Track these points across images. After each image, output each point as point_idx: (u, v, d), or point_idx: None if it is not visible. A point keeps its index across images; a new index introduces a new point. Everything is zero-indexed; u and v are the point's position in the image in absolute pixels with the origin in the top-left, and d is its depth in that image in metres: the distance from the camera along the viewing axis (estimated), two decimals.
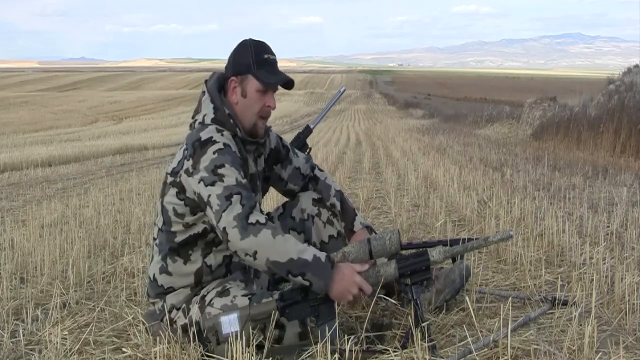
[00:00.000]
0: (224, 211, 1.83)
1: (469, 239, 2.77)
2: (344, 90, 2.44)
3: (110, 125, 30.14)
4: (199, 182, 1.91)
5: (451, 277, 2.28)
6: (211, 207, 1.87)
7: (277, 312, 1.90)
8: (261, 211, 1.92)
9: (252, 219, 1.82)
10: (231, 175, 1.89)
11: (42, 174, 8.49)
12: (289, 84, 2.13)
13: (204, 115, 2.08)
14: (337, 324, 1.95)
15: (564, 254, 3.09)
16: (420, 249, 2.07)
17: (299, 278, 1.85)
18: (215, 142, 1.96)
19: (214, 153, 1.93)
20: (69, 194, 6.14)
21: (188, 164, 1.97)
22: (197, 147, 1.96)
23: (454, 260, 2.68)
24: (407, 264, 2.00)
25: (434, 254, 1.99)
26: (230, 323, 1.91)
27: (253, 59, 2.07)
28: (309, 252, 1.86)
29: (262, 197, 2.39)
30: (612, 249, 3.03)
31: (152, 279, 2.10)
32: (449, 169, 6.49)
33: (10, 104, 46.61)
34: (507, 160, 7.90)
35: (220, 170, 1.90)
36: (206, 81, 2.15)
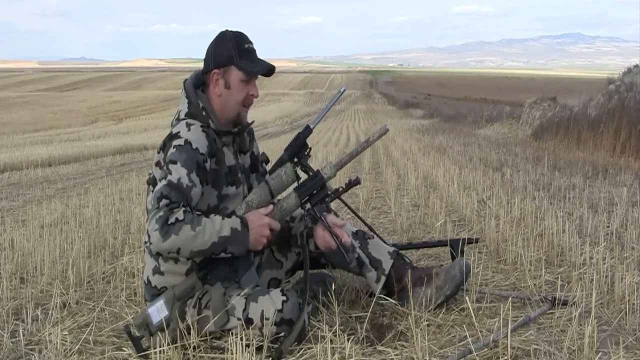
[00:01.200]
0: (151, 214, 1.89)
1: (469, 240, 2.78)
2: (344, 90, 2.44)
3: (110, 125, 30.17)
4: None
5: (451, 273, 2.28)
6: (151, 200, 1.93)
7: (199, 282, 2.01)
8: (190, 209, 1.94)
9: (172, 218, 1.87)
10: (176, 173, 1.94)
11: (42, 174, 8.49)
12: (271, 71, 2.16)
13: (179, 111, 2.14)
14: (254, 269, 2.10)
15: (564, 254, 3.09)
16: (315, 171, 2.20)
17: (222, 254, 1.95)
18: (179, 137, 2.02)
19: (173, 147, 2.00)
20: (69, 194, 6.14)
21: (159, 156, 2.06)
22: (166, 141, 2.05)
23: (453, 257, 2.68)
24: (304, 190, 2.15)
25: (326, 170, 2.16)
26: (158, 311, 1.99)
27: (234, 50, 2.10)
28: (225, 227, 1.94)
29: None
30: (612, 249, 3.03)
31: (146, 281, 2.13)
32: (449, 169, 6.49)
33: (10, 104, 46.63)
34: (507, 160, 7.90)
35: (171, 167, 1.96)
36: (185, 80, 2.19)
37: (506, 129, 15.17)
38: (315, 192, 2.17)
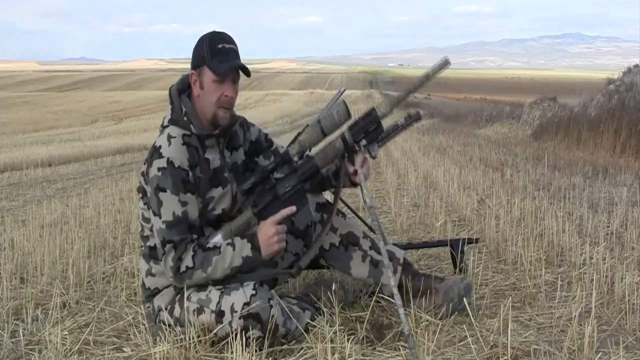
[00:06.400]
0: (162, 255, 2.02)
1: (469, 240, 2.78)
2: (344, 90, 2.43)
3: (110, 125, 30.11)
4: (148, 201, 2.07)
5: (450, 296, 2.26)
6: (156, 239, 2.05)
7: (254, 218, 2.07)
8: (201, 230, 2.07)
9: (182, 267, 2.00)
10: (169, 207, 2.01)
11: (42, 174, 8.48)
12: (242, 70, 2.10)
13: (164, 118, 2.17)
14: (308, 204, 2.16)
15: (564, 254, 3.09)
16: (368, 110, 2.14)
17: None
18: (161, 155, 2.04)
19: (158, 170, 2.03)
20: (69, 194, 6.14)
21: (144, 167, 2.09)
22: (151, 153, 2.08)
23: (453, 258, 2.68)
24: (358, 128, 2.11)
25: (381, 109, 2.11)
26: (217, 244, 2.07)
27: (207, 50, 2.09)
28: (236, 259, 2.02)
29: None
30: (612, 249, 3.04)
31: (142, 283, 2.21)
32: (449, 169, 6.48)
33: (10, 104, 46.56)
34: (507, 160, 7.90)
35: (161, 196, 2.02)
36: (171, 86, 2.19)
37: (506, 129, 15.15)
38: (370, 130, 2.11)
